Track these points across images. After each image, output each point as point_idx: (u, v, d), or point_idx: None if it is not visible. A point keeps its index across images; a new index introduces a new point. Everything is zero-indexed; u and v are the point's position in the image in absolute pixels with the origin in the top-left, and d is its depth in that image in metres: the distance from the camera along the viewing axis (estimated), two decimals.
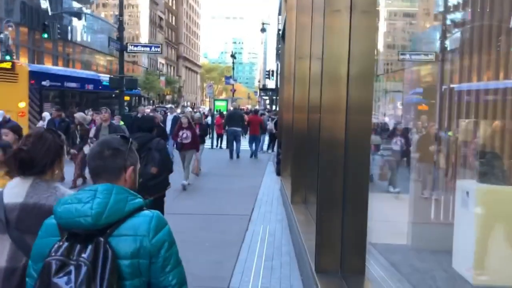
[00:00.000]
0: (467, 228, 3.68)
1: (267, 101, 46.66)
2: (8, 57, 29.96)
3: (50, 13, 25.79)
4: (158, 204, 5.18)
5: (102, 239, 1.57)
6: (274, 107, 33.45)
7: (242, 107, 41.88)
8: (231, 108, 22.43)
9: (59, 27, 22.19)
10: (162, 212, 5.19)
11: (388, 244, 4.93)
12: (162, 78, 63.31)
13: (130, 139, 1.84)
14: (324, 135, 3.88)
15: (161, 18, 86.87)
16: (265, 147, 20.02)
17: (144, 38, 73.62)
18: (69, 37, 57.77)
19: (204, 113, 30.60)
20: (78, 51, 61.25)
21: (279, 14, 16.38)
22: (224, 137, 18.91)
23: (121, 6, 15.99)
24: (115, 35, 18.07)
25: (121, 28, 15.74)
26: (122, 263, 1.59)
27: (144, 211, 1.69)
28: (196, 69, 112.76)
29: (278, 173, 11.91)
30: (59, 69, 23.47)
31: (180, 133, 10.42)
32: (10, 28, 32.30)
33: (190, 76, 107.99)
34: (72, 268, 1.52)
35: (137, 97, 27.23)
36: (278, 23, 21.62)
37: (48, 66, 22.22)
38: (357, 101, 3.60)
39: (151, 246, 1.62)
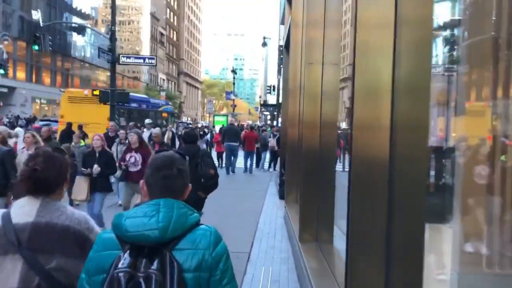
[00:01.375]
0: None
1: (268, 117, 45.97)
2: (2, 71, 29.13)
3: (41, 25, 25.02)
4: (201, 203, 5.74)
5: (167, 252, 1.57)
6: (275, 123, 32.53)
7: (243, 123, 41.16)
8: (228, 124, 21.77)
9: (51, 40, 21.43)
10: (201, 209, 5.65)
11: None
12: (163, 93, 62.55)
13: (187, 158, 1.88)
14: (358, 158, 2.86)
15: (162, 34, 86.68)
16: (266, 165, 18.94)
17: (145, 54, 73.28)
18: (68, 52, 57.41)
19: (199, 128, 29.28)
20: (78, 66, 60.78)
21: (282, 23, 15.50)
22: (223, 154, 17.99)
23: (113, 15, 15.13)
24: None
25: (113, 39, 14.86)
26: (186, 276, 1.59)
27: (201, 226, 1.71)
28: (197, 85, 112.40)
29: (282, 196, 10.64)
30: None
31: (127, 157, 7.59)
32: (6, 42, 31.61)
33: (191, 92, 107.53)
34: (141, 280, 1.52)
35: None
36: (279, 34, 20.97)
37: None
38: (408, 114, 2.57)
39: (212, 260, 1.63)
